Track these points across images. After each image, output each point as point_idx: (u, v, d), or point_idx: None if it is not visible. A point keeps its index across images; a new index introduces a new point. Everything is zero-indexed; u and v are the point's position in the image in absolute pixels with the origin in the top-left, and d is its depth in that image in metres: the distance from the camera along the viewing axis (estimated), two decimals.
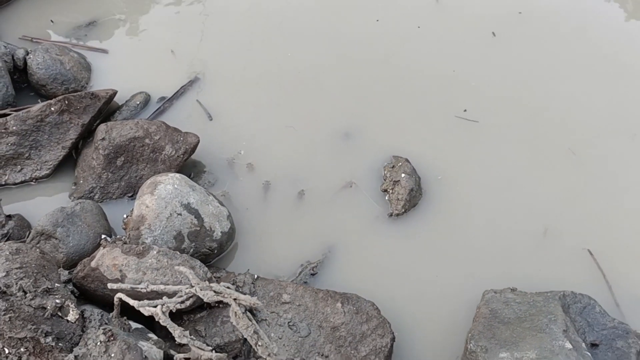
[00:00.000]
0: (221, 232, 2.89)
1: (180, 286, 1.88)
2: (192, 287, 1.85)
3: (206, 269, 2.60)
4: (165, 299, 1.90)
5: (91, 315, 2.17)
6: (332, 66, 3.71)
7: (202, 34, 3.92)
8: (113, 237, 2.82)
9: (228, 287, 1.86)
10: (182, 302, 1.83)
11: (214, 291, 1.80)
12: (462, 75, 3.69)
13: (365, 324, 2.62)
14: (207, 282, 1.87)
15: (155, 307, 1.78)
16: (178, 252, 2.56)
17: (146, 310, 1.82)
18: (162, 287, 1.88)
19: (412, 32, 3.92)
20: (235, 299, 1.79)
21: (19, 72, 3.64)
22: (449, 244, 3.02)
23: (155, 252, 2.34)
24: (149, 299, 1.98)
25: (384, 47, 3.83)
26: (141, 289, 1.91)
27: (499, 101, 3.58)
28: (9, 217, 2.93)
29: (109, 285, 1.94)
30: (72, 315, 2.10)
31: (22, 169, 3.19)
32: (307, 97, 3.58)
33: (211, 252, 2.87)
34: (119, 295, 1.92)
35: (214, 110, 3.53)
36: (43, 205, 3.02)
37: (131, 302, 1.89)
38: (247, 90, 3.62)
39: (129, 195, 3.16)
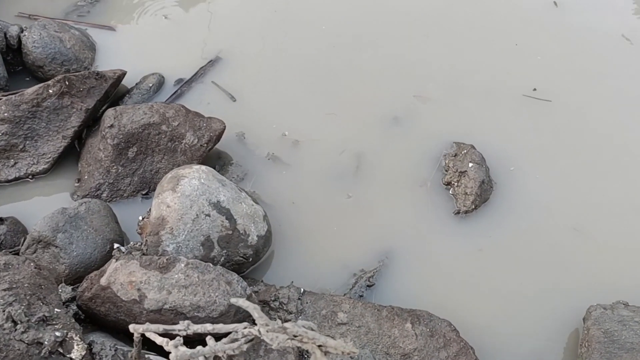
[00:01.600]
0: (257, 235, 2.37)
1: (236, 325, 1.33)
2: (255, 326, 1.30)
3: (245, 284, 2.07)
4: (210, 340, 1.35)
5: (102, 349, 1.62)
6: (374, 41, 3.22)
7: (222, 8, 3.41)
8: (127, 245, 2.29)
9: (311, 329, 1.30)
10: (239, 347, 1.29)
11: (288, 334, 1.25)
12: (526, 49, 3.18)
13: (444, 350, 2.08)
14: (278, 322, 1.32)
15: (200, 355, 1.23)
16: (211, 265, 2.02)
17: (181, 357, 1.27)
18: (209, 327, 1.33)
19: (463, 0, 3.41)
20: (320, 346, 1.24)
21: (13, 53, 3.09)
22: (532, 246, 2.52)
23: (183, 265, 1.82)
24: (185, 337, 1.43)
25: (431, 17, 3.31)
26: (179, 331, 1.36)
27: (572, 77, 3.08)
28: (0, 220, 2.41)
29: (132, 328, 1.39)
30: (77, 351, 1.56)
31: (15, 163, 2.66)
32: (346, 76, 3.09)
33: (245, 260, 2.35)
34: (142, 330, 1.37)
35: (239, 95, 3.05)
36: (41, 206, 2.52)
37: (159, 340, 1.35)
38: (276, 72, 3.12)
39: (143, 192, 2.65)
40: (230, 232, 2.30)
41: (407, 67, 3.13)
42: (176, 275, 1.95)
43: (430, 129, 2.91)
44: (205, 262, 2.13)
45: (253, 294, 2.11)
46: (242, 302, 1.35)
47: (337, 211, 2.68)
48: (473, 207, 2.61)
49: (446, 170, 2.76)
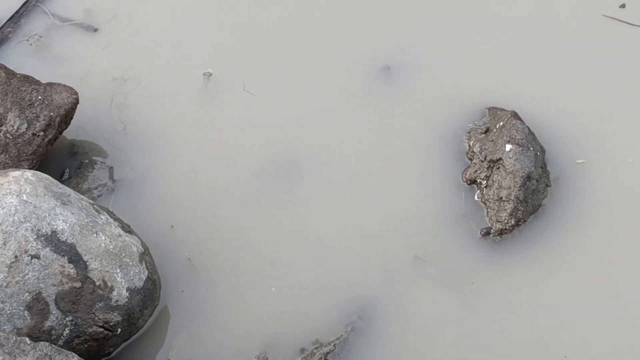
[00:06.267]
0: (128, 288, 2.55)
1: None
2: None
3: None
4: None
5: None
6: None
7: None
8: None
9: None
10: None
11: None
12: None
13: None
14: None
15: None
16: (28, 340, 2.20)
17: None
18: None
19: None
20: None
21: None
22: (616, 285, 2.68)
23: None
24: None
25: None
26: None
27: None
28: None
29: None
30: None
31: None
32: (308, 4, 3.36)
33: (110, 331, 2.52)
34: None
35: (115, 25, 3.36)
36: None
37: None
38: None
39: None
40: (77, 284, 2.45)
41: None
42: None
43: (444, 82, 3.10)
44: (33, 336, 2.29)
45: None
46: None
47: (277, 240, 2.85)
48: (512, 223, 2.74)
49: (470, 159, 2.91)
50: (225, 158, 3.01)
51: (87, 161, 3.04)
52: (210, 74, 3.12)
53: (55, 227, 2.50)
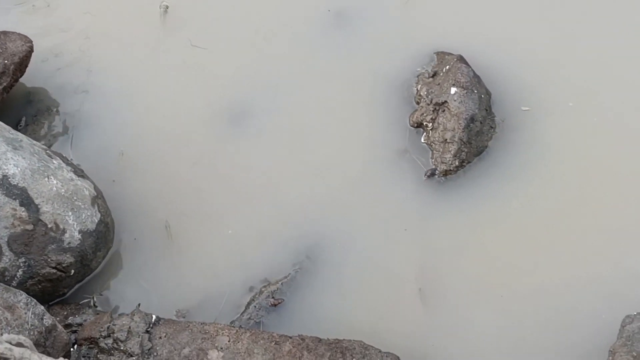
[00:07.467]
0: (80, 231, 2.61)
1: None
2: None
3: (41, 308, 2.29)
4: None
5: None
6: None
7: None
8: None
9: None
10: None
11: None
12: None
13: None
14: None
15: None
16: None
17: None
18: None
19: None
20: None
21: None
22: (553, 230, 2.75)
23: None
24: None
25: None
26: None
27: None
28: None
29: None
30: None
31: None
32: None
33: (63, 272, 2.59)
34: None
35: None
36: None
37: None
38: None
39: None
40: (29, 227, 2.51)
41: None
42: None
43: (395, 27, 3.14)
44: None
45: (58, 326, 2.38)
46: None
47: (227, 185, 2.91)
48: (456, 164, 2.80)
49: (417, 102, 2.97)
50: (177, 105, 3.06)
51: (43, 109, 3.05)
52: (167, 7, 3.14)
53: (6, 171, 2.54)
